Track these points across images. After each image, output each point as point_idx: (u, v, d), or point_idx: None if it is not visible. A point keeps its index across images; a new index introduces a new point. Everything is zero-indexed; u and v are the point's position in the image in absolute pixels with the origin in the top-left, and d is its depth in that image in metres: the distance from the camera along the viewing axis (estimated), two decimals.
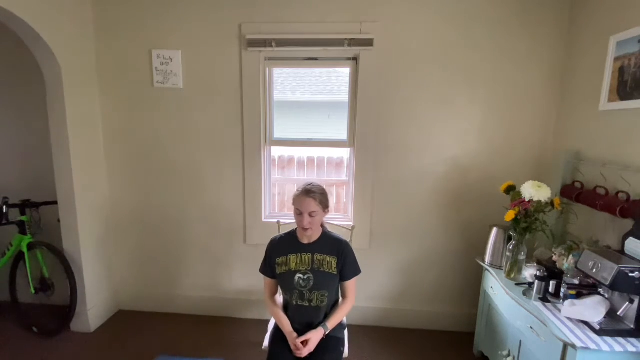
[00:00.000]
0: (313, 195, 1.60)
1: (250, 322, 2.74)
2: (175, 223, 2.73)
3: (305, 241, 1.70)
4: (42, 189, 2.69)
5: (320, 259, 1.67)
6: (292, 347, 1.58)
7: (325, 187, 1.70)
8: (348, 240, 2.21)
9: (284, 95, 2.88)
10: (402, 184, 2.51)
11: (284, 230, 1.85)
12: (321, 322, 1.66)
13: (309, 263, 1.67)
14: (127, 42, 2.50)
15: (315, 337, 1.58)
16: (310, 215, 1.59)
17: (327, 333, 1.63)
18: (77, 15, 2.36)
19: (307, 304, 1.66)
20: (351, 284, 1.72)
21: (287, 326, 1.66)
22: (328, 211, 1.69)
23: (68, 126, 2.31)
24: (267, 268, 1.74)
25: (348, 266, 1.69)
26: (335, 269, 1.67)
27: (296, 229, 1.74)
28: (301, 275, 1.66)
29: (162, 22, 2.45)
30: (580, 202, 1.92)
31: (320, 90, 3.03)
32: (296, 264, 1.67)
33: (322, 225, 1.75)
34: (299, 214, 1.61)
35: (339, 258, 1.67)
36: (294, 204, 1.64)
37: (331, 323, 1.65)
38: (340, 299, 1.78)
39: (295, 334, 1.61)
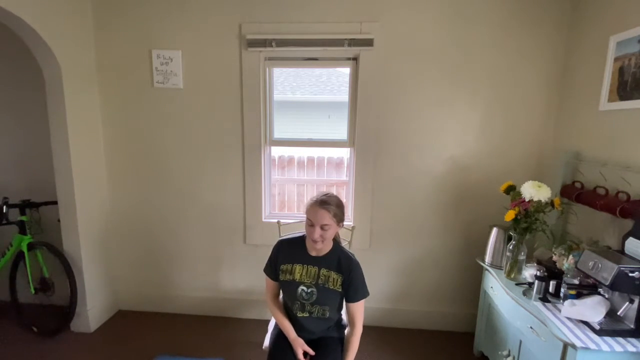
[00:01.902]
0: (327, 208, 1.49)
1: (250, 322, 2.74)
2: (175, 223, 2.73)
3: (313, 253, 1.62)
4: (42, 189, 2.69)
5: (326, 275, 1.60)
6: (297, 352, 1.55)
7: (342, 200, 1.60)
8: (348, 240, 2.21)
9: (284, 95, 2.88)
10: (402, 184, 2.51)
11: (284, 231, 1.83)
12: (323, 329, 1.65)
13: (314, 277, 1.60)
14: (127, 42, 2.50)
15: None
16: (322, 228, 1.49)
17: None
18: (77, 15, 2.36)
19: (308, 315, 1.63)
20: (358, 309, 1.60)
21: (291, 333, 1.62)
22: (342, 225, 1.59)
23: (68, 126, 2.31)
24: (272, 270, 1.69)
25: (355, 287, 1.58)
26: (340, 287, 1.60)
27: (306, 236, 1.65)
28: (305, 288, 1.60)
29: (162, 22, 2.45)
30: (580, 202, 1.92)
31: (320, 90, 3.04)
32: (301, 275, 1.61)
33: (335, 239, 1.66)
34: (310, 224, 1.52)
35: (345, 276, 1.59)
36: (306, 213, 1.54)
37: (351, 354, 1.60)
38: (347, 327, 1.69)
39: (301, 340, 1.58)
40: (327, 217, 1.49)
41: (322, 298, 1.60)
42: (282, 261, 1.65)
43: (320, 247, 1.57)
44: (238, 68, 2.45)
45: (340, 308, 1.70)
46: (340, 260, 1.61)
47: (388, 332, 2.64)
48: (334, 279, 1.60)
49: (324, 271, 1.60)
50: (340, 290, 1.60)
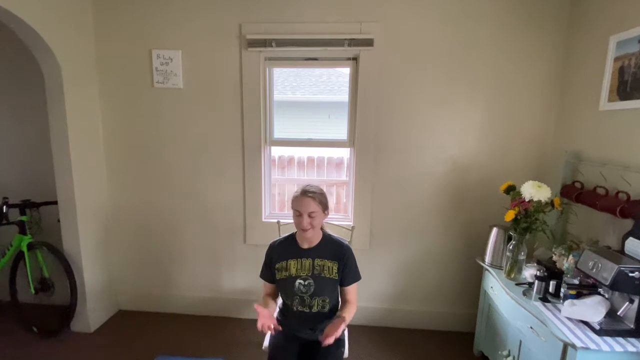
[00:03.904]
0: (312, 195, 1.57)
1: (251, 322, 2.73)
2: (175, 223, 2.73)
3: (305, 246, 1.66)
4: (42, 189, 2.69)
5: (320, 264, 1.64)
6: (259, 325, 1.43)
7: (324, 189, 1.67)
8: (348, 240, 2.21)
9: (284, 95, 2.88)
10: (402, 184, 2.51)
11: (284, 231, 1.84)
12: (323, 328, 1.60)
13: (309, 269, 1.64)
14: (127, 42, 2.50)
15: (338, 324, 1.44)
16: (310, 215, 1.56)
17: (346, 322, 1.49)
18: (77, 15, 2.36)
19: (308, 310, 1.64)
20: (352, 289, 1.67)
21: (270, 309, 1.57)
22: (328, 213, 1.66)
23: (68, 126, 2.31)
24: (268, 273, 1.71)
25: (348, 271, 1.65)
26: (337, 275, 1.64)
27: (295, 233, 1.70)
28: (301, 281, 1.63)
29: (162, 22, 2.45)
30: (580, 202, 1.92)
31: (320, 90, 3.03)
32: (296, 270, 1.64)
33: (322, 229, 1.71)
34: (298, 215, 1.58)
35: (339, 263, 1.64)
36: (292, 205, 1.61)
37: (348, 316, 1.54)
38: (341, 303, 1.72)
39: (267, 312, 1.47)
40: (312, 204, 1.57)
41: (319, 289, 1.63)
42: (277, 260, 1.68)
43: (311, 236, 1.62)
44: (238, 68, 2.45)
45: (338, 299, 1.72)
46: (332, 248, 1.66)
47: (388, 332, 2.64)
48: (329, 267, 1.64)
49: (318, 261, 1.64)
50: (336, 278, 1.64)
